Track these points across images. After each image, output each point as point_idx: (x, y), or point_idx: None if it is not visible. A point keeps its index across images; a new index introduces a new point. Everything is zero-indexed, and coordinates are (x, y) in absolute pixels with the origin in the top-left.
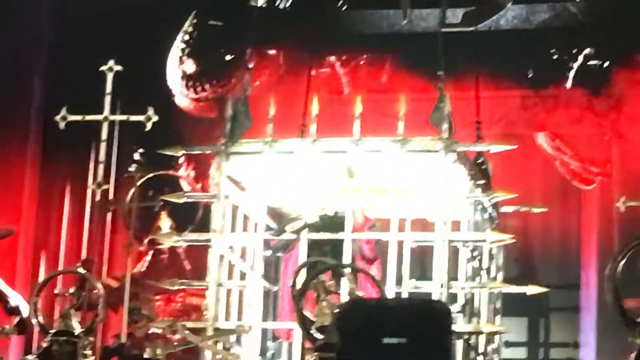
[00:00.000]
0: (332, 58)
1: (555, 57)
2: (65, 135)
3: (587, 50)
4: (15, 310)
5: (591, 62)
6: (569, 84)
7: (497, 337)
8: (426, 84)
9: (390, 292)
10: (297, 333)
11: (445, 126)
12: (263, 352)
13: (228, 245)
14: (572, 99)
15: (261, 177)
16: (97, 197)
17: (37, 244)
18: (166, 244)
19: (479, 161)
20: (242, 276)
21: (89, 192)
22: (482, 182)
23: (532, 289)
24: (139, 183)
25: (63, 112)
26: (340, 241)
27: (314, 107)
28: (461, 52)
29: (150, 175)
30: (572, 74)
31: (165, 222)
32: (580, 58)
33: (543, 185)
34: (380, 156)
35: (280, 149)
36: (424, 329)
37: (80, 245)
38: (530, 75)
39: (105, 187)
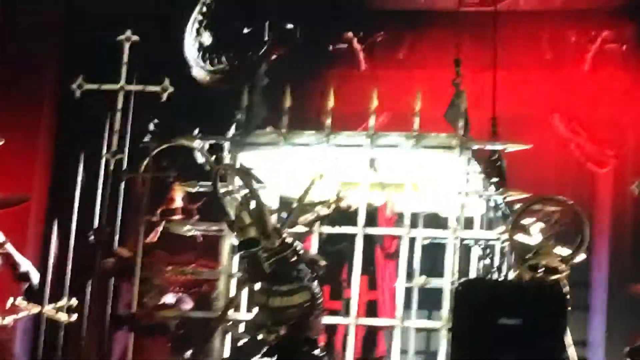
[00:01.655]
0: (350, 34)
1: (573, 38)
2: (81, 104)
3: (605, 33)
4: (26, 277)
5: (609, 45)
6: (586, 66)
7: None
8: (443, 62)
9: (400, 288)
10: None
11: (461, 123)
12: None
13: None
14: (589, 81)
15: (275, 168)
16: (112, 167)
17: (49, 211)
18: (178, 228)
19: (494, 158)
20: None
21: (103, 161)
22: (496, 179)
23: None
24: (153, 153)
25: (79, 80)
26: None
27: (330, 101)
28: (479, 32)
29: (165, 145)
30: (589, 56)
31: (178, 193)
32: (599, 40)
33: (557, 167)
34: (395, 151)
35: (295, 142)
36: (539, 312)
37: (93, 214)
38: (547, 57)
39: (119, 156)
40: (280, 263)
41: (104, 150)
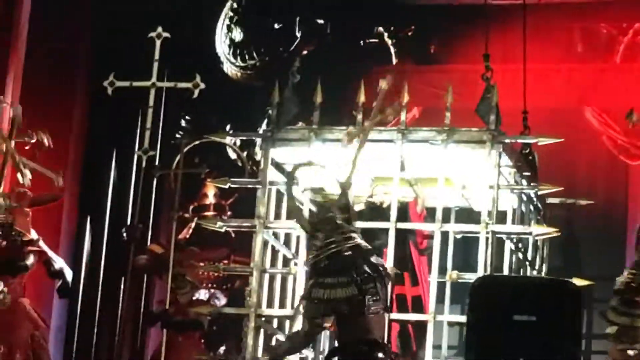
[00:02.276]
0: (380, 29)
1: (604, 30)
2: (113, 101)
3: (637, 25)
4: (59, 274)
5: None
6: (618, 58)
7: None
8: (473, 56)
9: (433, 283)
10: None
11: (492, 117)
12: None
13: (272, 232)
14: (621, 73)
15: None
16: (144, 164)
17: (82, 209)
18: (211, 224)
19: (526, 152)
20: (286, 263)
21: (135, 158)
22: (528, 173)
23: (576, 282)
24: (185, 150)
25: (111, 77)
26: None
27: (361, 96)
28: (509, 25)
29: (196, 142)
30: (621, 48)
31: (210, 190)
32: (630, 32)
33: (589, 160)
34: (427, 146)
35: (326, 138)
36: (554, 309)
37: (125, 211)
38: (579, 49)
39: (151, 153)
40: (333, 256)
41: (136, 148)
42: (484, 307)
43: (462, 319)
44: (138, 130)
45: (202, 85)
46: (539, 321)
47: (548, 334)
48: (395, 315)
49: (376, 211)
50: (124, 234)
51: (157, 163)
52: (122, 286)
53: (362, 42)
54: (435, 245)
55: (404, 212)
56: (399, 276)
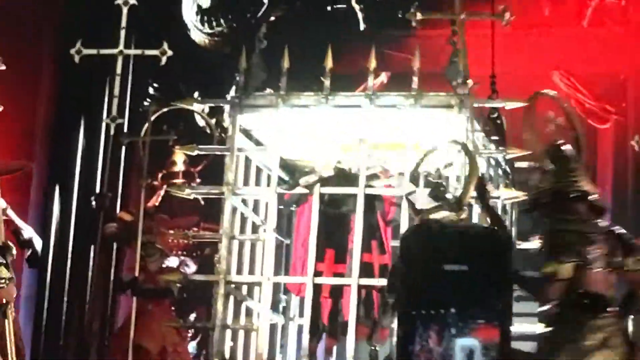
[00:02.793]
0: None
1: None
2: (80, 69)
3: None
4: (28, 243)
5: (608, 0)
6: (585, 22)
7: None
8: (442, 21)
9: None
10: (309, 288)
11: (459, 81)
12: (275, 305)
13: (241, 199)
14: (588, 37)
15: (275, 130)
16: (112, 131)
17: (51, 177)
18: (180, 192)
19: (494, 116)
20: (255, 229)
21: (103, 126)
22: (496, 138)
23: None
24: (153, 117)
25: (78, 45)
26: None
27: (329, 61)
28: None
29: (164, 109)
30: (589, 11)
31: (179, 157)
32: None
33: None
34: (395, 111)
35: (294, 103)
36: (485, 258)
37: (94, 179)
38: (546, 13)
39: (119, 121)
40: None
41: (104, 115)
42: (414, 257)
43: None
44: (106, 98)
45: (170, 53)
46: (469, 270)
47: (479, 282)
48: (363, 281)
49: (345, 178)
50: (93, 202)
51: (125, 131)
52: (91, 255)
53: (329, 7)
54: (403, 210)
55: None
56: (366, 244)
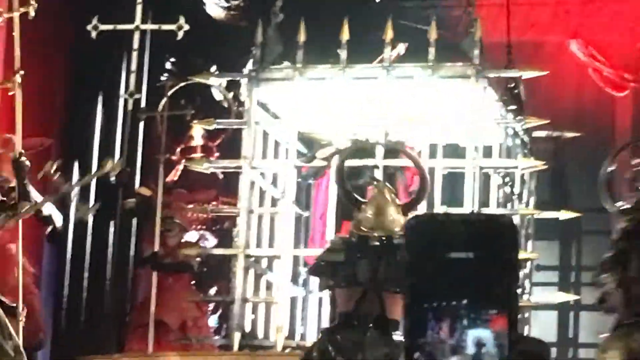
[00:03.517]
0: None
1: None
2: (96, 45)
3: None
4: (48, 219)
5: None
6: None
7: (528, 262)
8: None
9: None
10: None
11: (476, 52)
12: (294, 278)
13: (259, 172)
14: (606, 5)
15: (292, 103)
16: (130, 107)
17: (69, 154)
18: (198, 166)
19: (511, 86)
20: (274, 203)
21: (121, 101)
22: (514, 107)
23: (564, 214)
24: (170, 92)
25: (94, 21)
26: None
27: (344, 34)
28: None
29: (182, 84)
30: None
31: (197, 131)
32: None
33: (575, 93)
34: (412, 82)
35: (311, 76)
36: (491, 245)
37: (112, 155)
38: None
39: (137, 96)
40: None
41: (122, 91)
42: (419, 246)
43: None
44: (123, 74)
45: (187, 27)
46: (476, 258)
47: (485, 270)
48: None
49: (362, 150)
50: (112, 178)
51: (142, 106)
52: (111, 230)
53: None
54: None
55: (392, 152)
56: None
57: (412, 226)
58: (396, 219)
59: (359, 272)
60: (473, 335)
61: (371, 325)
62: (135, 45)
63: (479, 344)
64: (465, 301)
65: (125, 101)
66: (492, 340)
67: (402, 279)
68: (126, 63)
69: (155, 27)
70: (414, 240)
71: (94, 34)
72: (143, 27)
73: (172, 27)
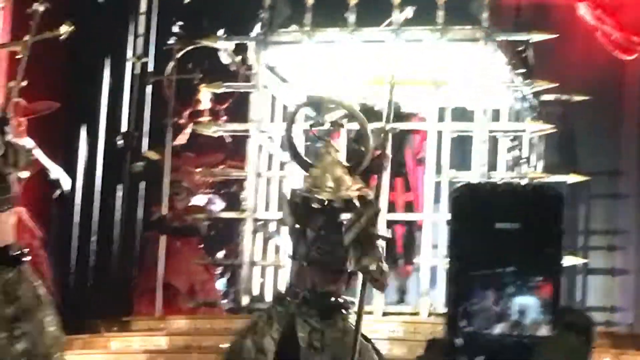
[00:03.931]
0: None
1: None
2: (103, 8)
3: None
4: (56, 183)
5: None
6: None
7: None
8: None
9: (429, 182)
10: None
11: (485, 15)
12: None
13: (267, 136)
14: None
15: (300, 66)
16: (137, 70)
17: (77, 118)
18: (206, 130)
19: (519, 49)
20: (282, 167)
21: (128, 65)
22: (522, 70)
23: (572, 178)
24: (178, 56)
25: None
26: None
27: None
28: None
29: (189, 47)
30: None
31: (205, 95)
32: None
33: (584, 56)
34: (421, 45)
35: (319, 39)
36: (536, 215)
37: (120, 119)
38: None
39: (144, 60)
40: None
41: (129, 54)
42: (465, 216)
43: None
44: (131, 37)
45: None
46: (521, 228)
47: (531, 240)
48: (389, 216)
49: (370, 114)
50: (120, 142)
51: (150, 70)
52: (119, 194)
53: None
54: (430, 145)
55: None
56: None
57: (456, 196)
58: (342, 179)
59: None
60: (518, 303)
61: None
62: (143, 8)
63: (524, 312)
64: (510, 269)
65: (133, 65)
66: (537, 308)
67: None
68: (134, 26)
69: None
70: (459, 210)
71: None
72: None
73: None
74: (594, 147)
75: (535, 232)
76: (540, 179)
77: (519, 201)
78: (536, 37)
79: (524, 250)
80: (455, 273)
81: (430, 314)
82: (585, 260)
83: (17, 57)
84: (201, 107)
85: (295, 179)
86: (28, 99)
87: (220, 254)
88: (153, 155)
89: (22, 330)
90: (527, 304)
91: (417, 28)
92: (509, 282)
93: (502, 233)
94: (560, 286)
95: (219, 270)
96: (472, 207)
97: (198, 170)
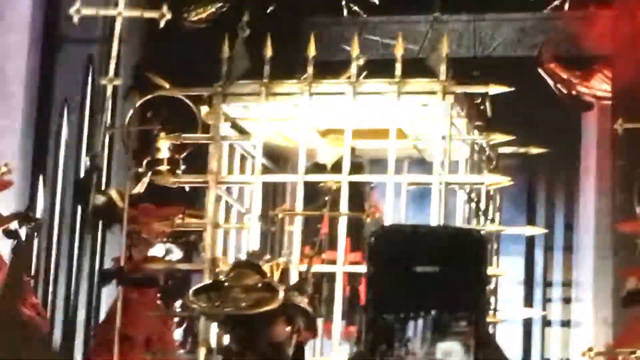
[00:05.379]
0: None
1: None
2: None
3: None
4: (14, 234)
5: None
6: (566, 6)
7: (494, 278)
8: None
9: None
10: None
11: (442, 68)
12: None
13: (225, 187)
14: (571, 20)
15: (259, 118)
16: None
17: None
18: (164, 179)
19: (477, 101)
20: (240, 217)
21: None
22: (479, 123)
23: (529, 230)
24: (137, 105)
25: (77, 4)
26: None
27: (311, 50)
28: None
29: (148, 97)
30: None
31: (164, 143)
32: None
33: (542, 109)
34: (378, 98)
35: (277, 91)
36: (458, 259)
37: (79, 167)
38: None
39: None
40: None
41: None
42: (383, 260)
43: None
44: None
45: (169, 16)
46: (441, 272)
47: (452, 284)
48: (348, 268)
49: (322, 170)
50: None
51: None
52: (76, 244)
53: None
54: (388, 196)
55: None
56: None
57: (375, 239)
58: None
59: None
60: (439, 347)
61: None
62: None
63: (446, 356)
64: (432, 313)
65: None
66: (461, 352)
67: None
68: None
69: (137, 13)
70: (377, 253)
71: (76, 18)
72: (126, 13)
73: (155, 15)
74: (552, 200)
75: (456, 277)
76: (498, 231)
77: (441, 245)
78: (494, 89)
79: (444, 294)
80: (373, 319)
81: None
82: (543, 313)
83: None
84: (160, 155)
85: (253, 230)
86: None
87: (177, 304)
88: (115, 195)
89: None
90: (450, 349)
91: (374, 80)
92: (430, 327)
93: (423, 276)
94: (484, 330)
95: (176, 319)
96: (391, 250)
97: (156, 222)
